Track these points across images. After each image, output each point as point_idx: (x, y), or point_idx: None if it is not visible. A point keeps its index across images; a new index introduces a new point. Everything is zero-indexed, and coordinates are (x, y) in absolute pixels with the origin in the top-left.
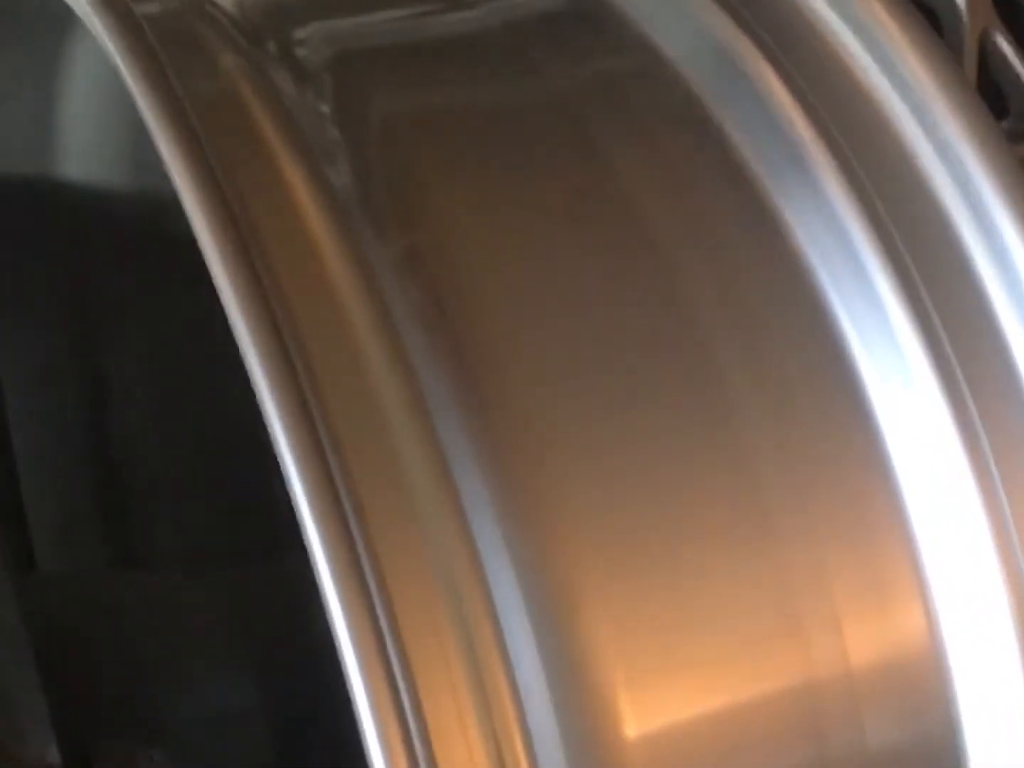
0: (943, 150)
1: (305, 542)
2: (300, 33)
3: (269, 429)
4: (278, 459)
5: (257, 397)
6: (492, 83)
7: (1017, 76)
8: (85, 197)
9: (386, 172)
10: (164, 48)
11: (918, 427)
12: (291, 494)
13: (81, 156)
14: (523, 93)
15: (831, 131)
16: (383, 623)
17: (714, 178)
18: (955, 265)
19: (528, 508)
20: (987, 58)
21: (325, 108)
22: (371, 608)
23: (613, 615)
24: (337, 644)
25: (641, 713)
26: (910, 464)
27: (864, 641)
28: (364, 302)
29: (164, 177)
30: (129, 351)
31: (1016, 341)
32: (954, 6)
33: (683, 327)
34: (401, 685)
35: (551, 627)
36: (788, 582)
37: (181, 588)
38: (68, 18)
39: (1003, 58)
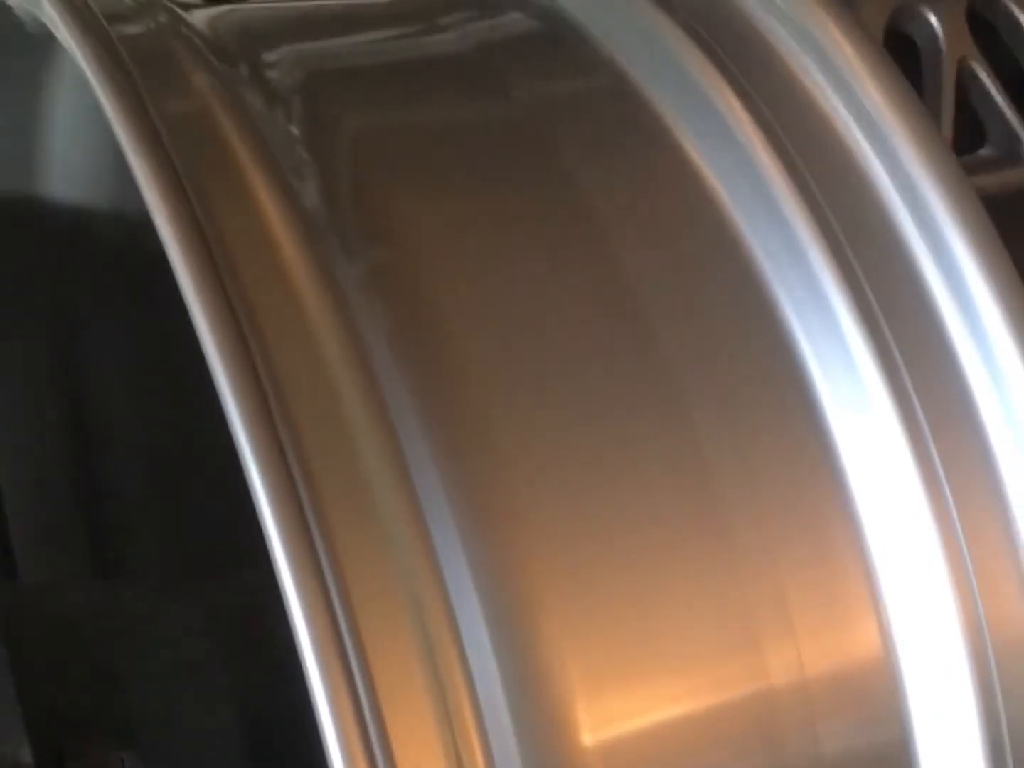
0: (903, 180)
1: (270, 556)
2: (273, 55)
3: (236, 442)
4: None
5: (224, 409)
6: (460, 104)
7: (995, 103)
8: (69, 214)
9: (354, 191)
10: (139, 68)
11: (874, 449)
12: (256, 507)
13: (65, 173)
14: (491, 113)
15: (793, 158)
16: (345, 636)
17: (679, 200)
18: (912, 293)
19: (489, 520)
20: (965, 86)
21: (296, 128)
22: (333, 621)
23: (571, 625)
24: (300, 658)
25: (598, 722)
26: (866, 485)
27: (819, 653)
28: (331, 317)
29: None
30: (111, 366)
31: (971, 367)
32: (932, 34)
33: (646, 349)
34: (363, 698)
35: (510, 638)
36: (746, 596)
37: (160, 599)
38: (52, 37)
39: (981, 86)
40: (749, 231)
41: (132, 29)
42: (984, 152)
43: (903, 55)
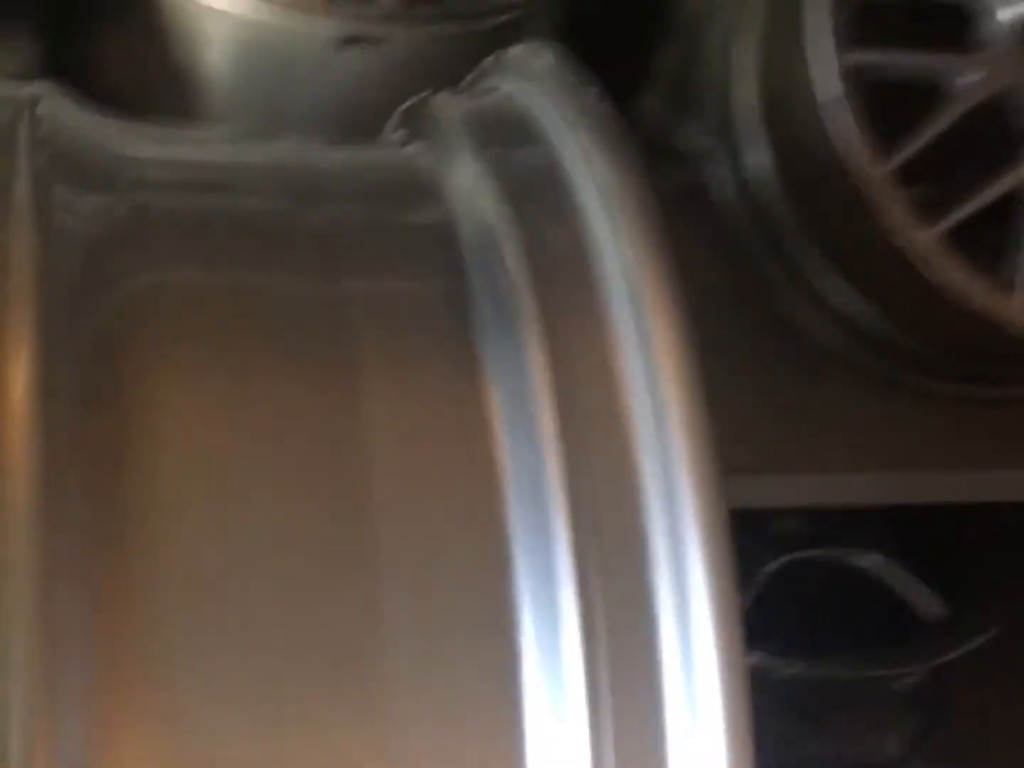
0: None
1: None
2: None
3: None
4: None
5: None
6: (274, 279)
7: None
8: None
9: (107, 355)
10: None
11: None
12: None
13: None
14: (300, 293)
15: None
16: None
17: (455, 443)
18: (643, 628)
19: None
20: None
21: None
22: None
23: None
24: None
25: None
26: None
27: None
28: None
29: None
30: None
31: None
32: None
33: (366, 623)
34: None
35: None
36: None
37: None
38: None
39: None
40: (514, 516)
41: None
42: None
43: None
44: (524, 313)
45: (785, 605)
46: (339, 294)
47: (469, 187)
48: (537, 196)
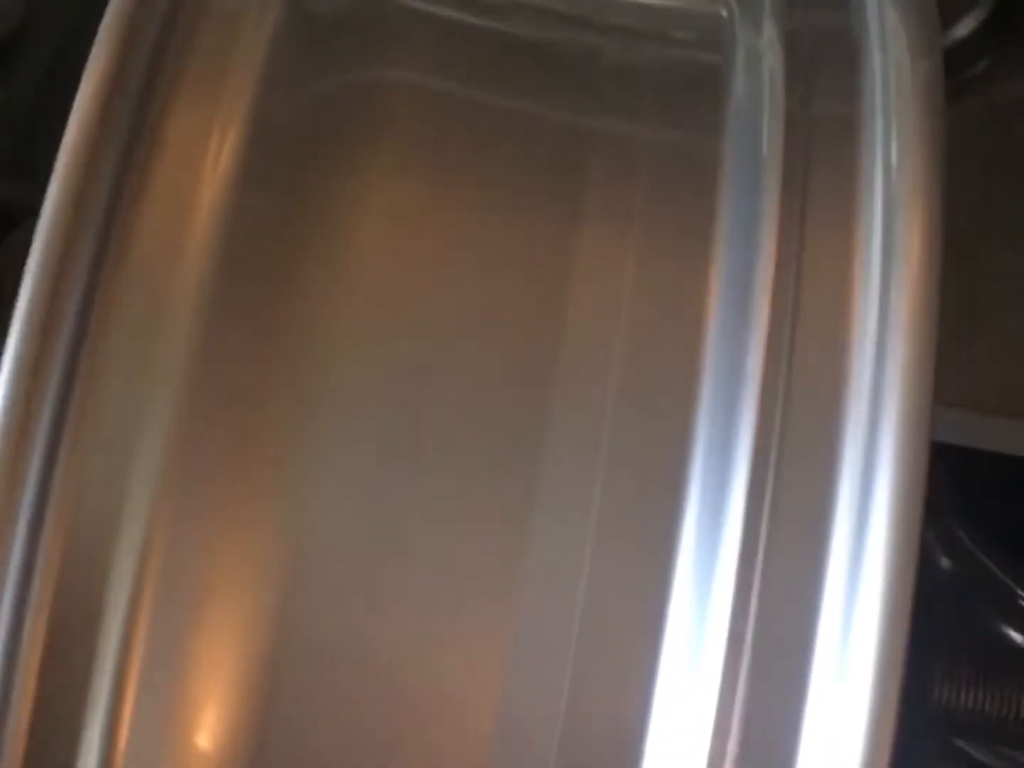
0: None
1: None
2: None
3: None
4: None
5: None
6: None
7: None
8: None
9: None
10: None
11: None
12: None
13: None
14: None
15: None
16: None
17: (665, 293)
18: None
19: None
20: None
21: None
22: None
23: None
24: None
25: None
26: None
27: None
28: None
29: None
30: None
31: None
32: None
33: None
34: None
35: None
36: None
37: None
38: None
39: None
40: (709, 372)
41: None
42: None
43: None
44: (772, 184)
45: None
46: (584, 127)
47: (757, 47)
48: (821, 69)
